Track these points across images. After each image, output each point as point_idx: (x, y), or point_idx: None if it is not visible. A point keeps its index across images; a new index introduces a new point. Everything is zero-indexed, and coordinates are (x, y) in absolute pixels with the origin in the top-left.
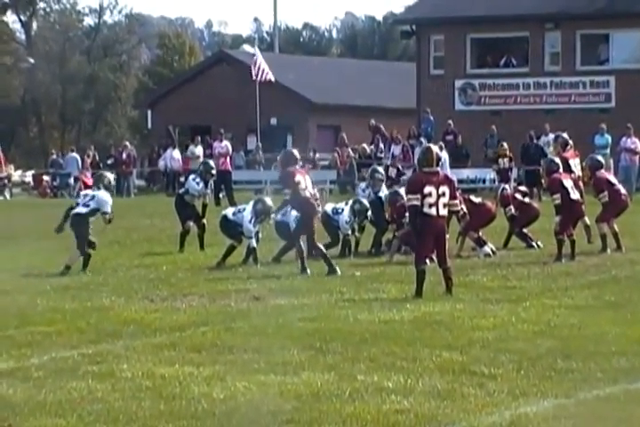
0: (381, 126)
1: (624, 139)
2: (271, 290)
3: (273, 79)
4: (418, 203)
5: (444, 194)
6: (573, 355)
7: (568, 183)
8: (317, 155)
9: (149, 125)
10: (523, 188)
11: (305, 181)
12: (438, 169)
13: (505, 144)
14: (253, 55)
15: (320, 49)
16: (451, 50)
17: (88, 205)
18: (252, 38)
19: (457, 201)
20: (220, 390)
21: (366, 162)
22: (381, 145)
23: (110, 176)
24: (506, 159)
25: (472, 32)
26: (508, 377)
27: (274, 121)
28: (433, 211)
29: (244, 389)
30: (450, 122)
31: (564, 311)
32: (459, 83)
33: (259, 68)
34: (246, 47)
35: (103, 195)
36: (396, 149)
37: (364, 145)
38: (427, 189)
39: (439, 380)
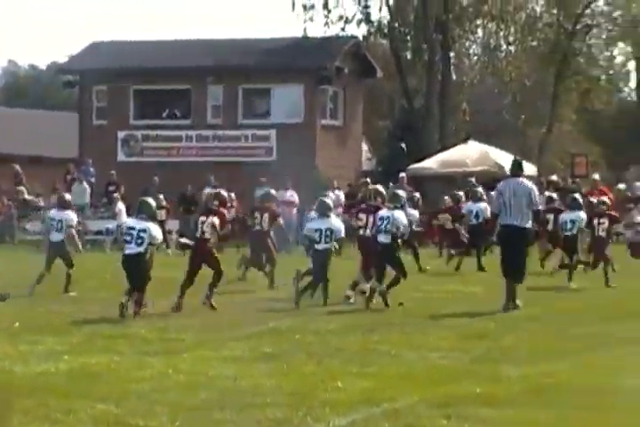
0: (21, 173)
1: (282, 192)
2: None
3: None
4: None
5: None
6: (228, 406)
7: None
8: None
9: None
10: None
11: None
12: None
13: (161, 196)
14: None
15: None
16: (114, 101)
17: None
18: None
19: None
20: None
21: (27, 213)
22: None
23: None
24: (163, 211)
25: (135, 84)
26: None
27: None
28: None
29: None
30: (112, 172)
31: (221, 363)
32: (121, 134)
33: None
34: None
35: None
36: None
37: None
38: None
39: None
